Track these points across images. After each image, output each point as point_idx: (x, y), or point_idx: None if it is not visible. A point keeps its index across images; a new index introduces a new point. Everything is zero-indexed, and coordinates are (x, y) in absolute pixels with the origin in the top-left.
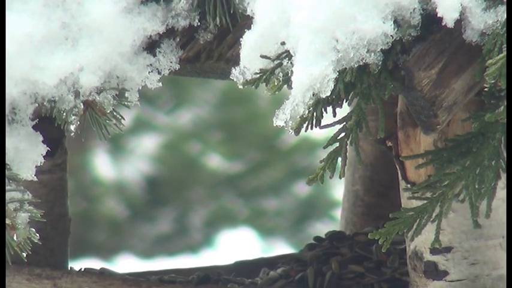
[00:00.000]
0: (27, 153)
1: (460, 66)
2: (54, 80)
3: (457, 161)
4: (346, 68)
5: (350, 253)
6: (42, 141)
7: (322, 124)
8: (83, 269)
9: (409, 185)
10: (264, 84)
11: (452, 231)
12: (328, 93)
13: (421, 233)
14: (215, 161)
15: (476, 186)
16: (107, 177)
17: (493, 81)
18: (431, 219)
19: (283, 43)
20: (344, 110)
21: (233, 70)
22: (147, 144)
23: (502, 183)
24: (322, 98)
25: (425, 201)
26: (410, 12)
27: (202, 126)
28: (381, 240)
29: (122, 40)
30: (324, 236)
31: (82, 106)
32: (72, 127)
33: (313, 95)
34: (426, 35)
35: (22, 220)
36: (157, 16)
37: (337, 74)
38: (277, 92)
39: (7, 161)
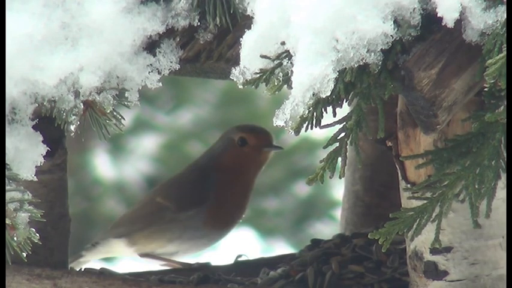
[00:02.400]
0: (27, 153)
1: (460, 66)
2: (54, 80)
3: (457, 161)
4: (346, 68)
5: (350, 253)
6: (42, 141)
7: (322, 124)
8: (83, 269)
9: (409, 185)
10: (264, 84)
11: (452, 231)
12: (328, 93)
13: (421, 233)
14: None
15: (476, 186)
16: (107, 177)
17: (493, 81)
18: (431, 219)
19: (283, 43)
20: (344, 110)
21: (233, 70)
22: (147, 144)
23: (502, 183)
24: (322, 98)
25: (425, 201)
26: (410, 12)
27: (202, 126)
28: (381, 240)
29: (122, 40)
30: (321, 238)
31: (82, 106)
32: (72, 127)
33: (313, 95)
34: (426, 35)
35: (22, 220)
36: (157, 16)
37: (337, 74)
38: (277, 92)
39: (7, 161)
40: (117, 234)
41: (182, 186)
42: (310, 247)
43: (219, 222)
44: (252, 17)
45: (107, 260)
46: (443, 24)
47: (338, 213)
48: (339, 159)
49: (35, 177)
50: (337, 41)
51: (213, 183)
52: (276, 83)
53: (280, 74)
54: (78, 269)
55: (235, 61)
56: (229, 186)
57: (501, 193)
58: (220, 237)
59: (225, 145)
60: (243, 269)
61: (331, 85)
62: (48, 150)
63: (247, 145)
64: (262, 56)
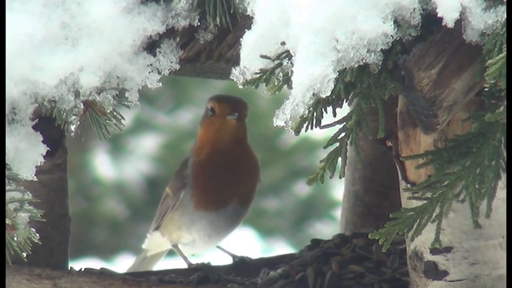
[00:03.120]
0: (27, 153)
1: (460, 66)
2: (54, 80)
3: (457, 161)
4: (346, 68)
5: (350, 253)
6: (42, 141)
7: (322, 124)
8: (83, 269)
9: (409, 185)
10: (264, 84)
11: (452, 231)
12: (328, 93)
13: (421, 233)
14: None
15: (477, 186)
16: (107, 177)
17: (493, 81)
18: (432, 219)
19: (283, 43)
20: (344, 110)
21: (233, 70)
22: (147, 144)
23: (502, 183)
24: (322, 98)
25: (425, 202)
26: (410, 12)
27: None
28: (381, 241)
29: (122, 40)
30: (321, 238)
31: (82, 106)
32: (72, 127)
33: (313, 95)
34: (426, 35)
35: (22, 220)
36: (157, 16)
37: (337, 74)
38: (277, 92)
39: (7, 161)
40: (154, 226)
41: (175, 172)
42: (310, 247)
43: (209, 201)
44: (252, 17)
45: (107, 260)
46: (443, 24)
47: (338, 213)
48: (339, 159)
49: (35, 177)
50: (337, 41)
51: (191, 164)
52: (276, 83)
53: (280, 74)
54: (78, 269)
55: (235, 61)
56: (207, 162)
57: (501, 193)
58: (220, 218)
59: (202, 115)
60: (243, 269)
61: (331, 85)
62: (48, 150)
63: (215, 114)
64: (262, 56)
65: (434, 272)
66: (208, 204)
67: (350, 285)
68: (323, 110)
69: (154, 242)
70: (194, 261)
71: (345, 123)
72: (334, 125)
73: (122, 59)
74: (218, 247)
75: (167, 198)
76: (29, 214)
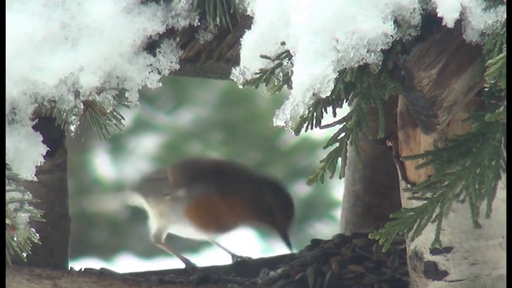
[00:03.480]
0: (27, 153)
1: (460, 66)
2: (54, 80)
3: (457, 161)
4: (346, 68)
5: (350, 253)
6: (42, 141)
7: (322, 124)
8: (83, 269)
9: (409, 185)
10: (264, 84)
11: (452, 231)
12: (328, 93)
13: (421, 233)
14: None
15: (477, 186)
16: (107, 177)
17: (493, 81)
18: (432, 219)
19: (283, 43)
20: (344, 110)
21: (233, 70)
22: (147, 144)
23: (502, 183)
24: (322, 98)
25: (425, 202)
26: (411, 12)
27: (202, 126)
28: (381, 241)
29: (122, 40)
30: (321, 238)
31: (82, 106)
32: (72, 127)
33: (313, 95)
34: (426, 35)
35: (22, 220)
36: (157, 16)
37: (337, 74)
38: (277, 92)
39: (7, 161)
40: (137, 191)
41: (192, 167)
42: (310, 247)
43: (200, 221)
44: (252, 17)
45: (107, 260)
46: (443, 24)
47: (338, 213)
48: (339, 159)
49: (35, 177)
50: (337, 41)
51: (215, 186)
52: (276, 83)
53: (280, 74)
54: (78, 269)
55: (235, 61)
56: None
57: (501, 193)
58: (204, 236)
59: (262, 207)
60: (243, 269)
61: (331, 85)
62: (48, 150)
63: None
64: (262, 56)
65: (434, 272)
66: (198, 221)
67: (350, 285)
68: (323, 110)
69: (134, 201)
70: (194, 261)
71: (345, 123)
72: (334, 125)
73: (122, 59)
74: (218, 245)
75: (164, 182)
76: (29, 214)
